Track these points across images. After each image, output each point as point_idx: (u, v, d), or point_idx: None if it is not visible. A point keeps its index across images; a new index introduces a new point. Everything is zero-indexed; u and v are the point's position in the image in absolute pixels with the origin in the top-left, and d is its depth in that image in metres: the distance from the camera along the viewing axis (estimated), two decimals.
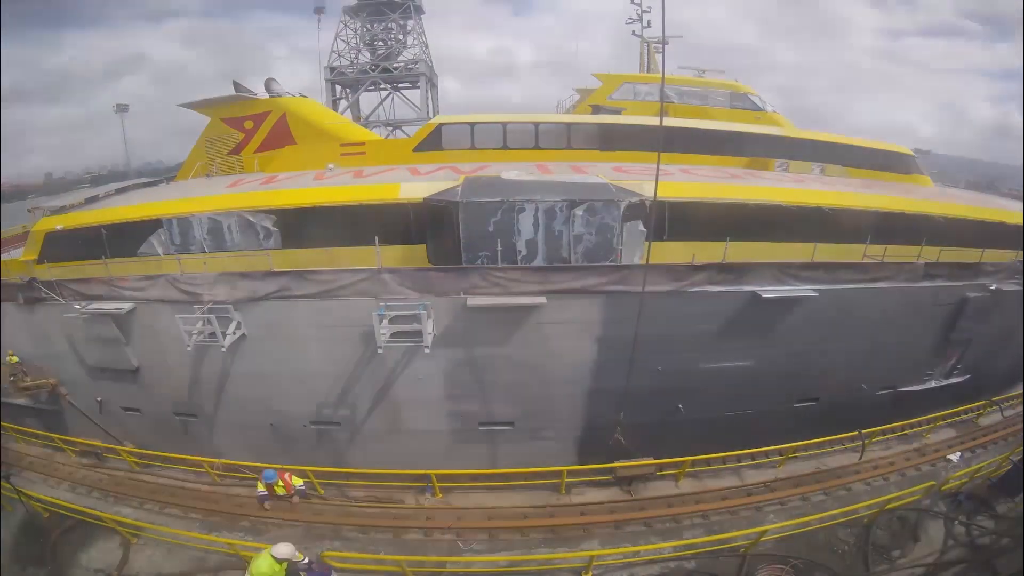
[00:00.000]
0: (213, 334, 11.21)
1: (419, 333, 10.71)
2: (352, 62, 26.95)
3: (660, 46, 25.06)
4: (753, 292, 11.62)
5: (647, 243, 11.10)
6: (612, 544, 8.89)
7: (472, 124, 17.50)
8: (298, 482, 9.78)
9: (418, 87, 27.82)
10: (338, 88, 27.99)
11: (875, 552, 8.81)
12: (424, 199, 12.00)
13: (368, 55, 26.93)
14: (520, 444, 12.81)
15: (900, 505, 9.41)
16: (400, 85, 28.70)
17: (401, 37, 27.15)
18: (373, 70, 26.35)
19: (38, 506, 9.90)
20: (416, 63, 27.08)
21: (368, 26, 26.64)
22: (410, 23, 27.09)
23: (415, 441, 12.56)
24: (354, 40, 26.93)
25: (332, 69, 26.64)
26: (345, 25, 26.73)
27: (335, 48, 26.70)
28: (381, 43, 27.01)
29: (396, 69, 27.08)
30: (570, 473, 9.97)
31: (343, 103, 28.45)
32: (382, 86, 28.06)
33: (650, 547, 8.71)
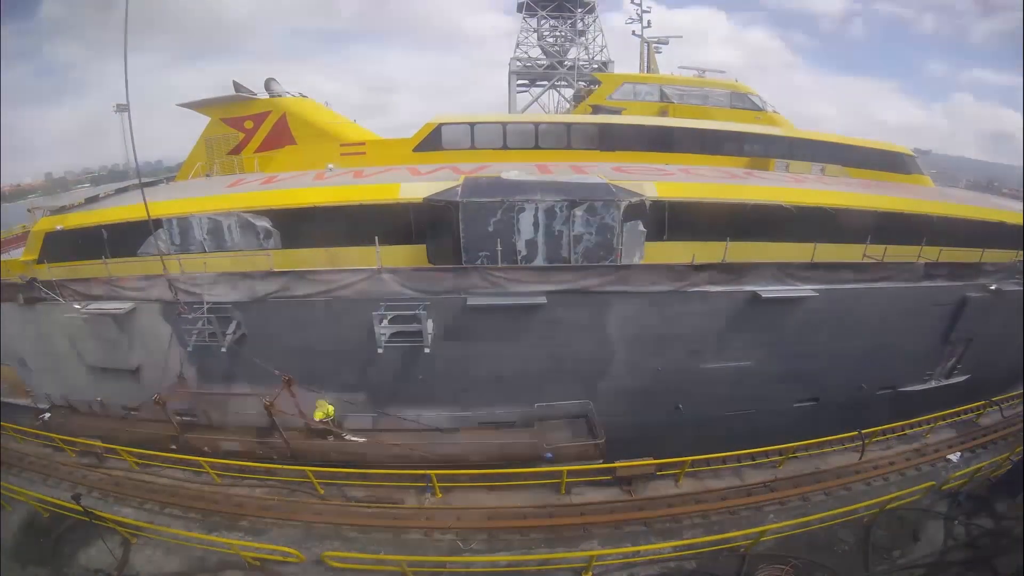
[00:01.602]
0: (213, 334, 11.23)
1: (419, 333, 10.72)
2: (546, 52, 27.28)
3: (660, 46, 25.15)
4: (753, 292, 11.62)
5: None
6: (612, 544, 8.88)
7: (472, 124, 17.51)
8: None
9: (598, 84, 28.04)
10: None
11: (875, 552, 8.82)
12: (424, 199, 12.00)
13: (547, 52, 27.42)
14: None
15: (900, 505, 9.42)
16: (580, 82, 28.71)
17: (578, 36, 27.46)
18: (559, 67, 26.85)
19: (38, 506, 9.90)
20: (596, 63, 27.24)
21: (551, 24, 27.11)
22: (589, 18, 27.44)
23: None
24: (538, 37, 27.45)
25: (519, 62, 27.29)
26: (535, 27, 27.19)
27: (516, 55, 27.45)
28: (564, 39, 27.43)
29: (581, 66, 27.35)
30: (570, 473, 9.96)
31: (527, 98, 29.22)
32: (562, 82, 28.49)
33: (650, 547, 8.70)
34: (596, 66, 27.44)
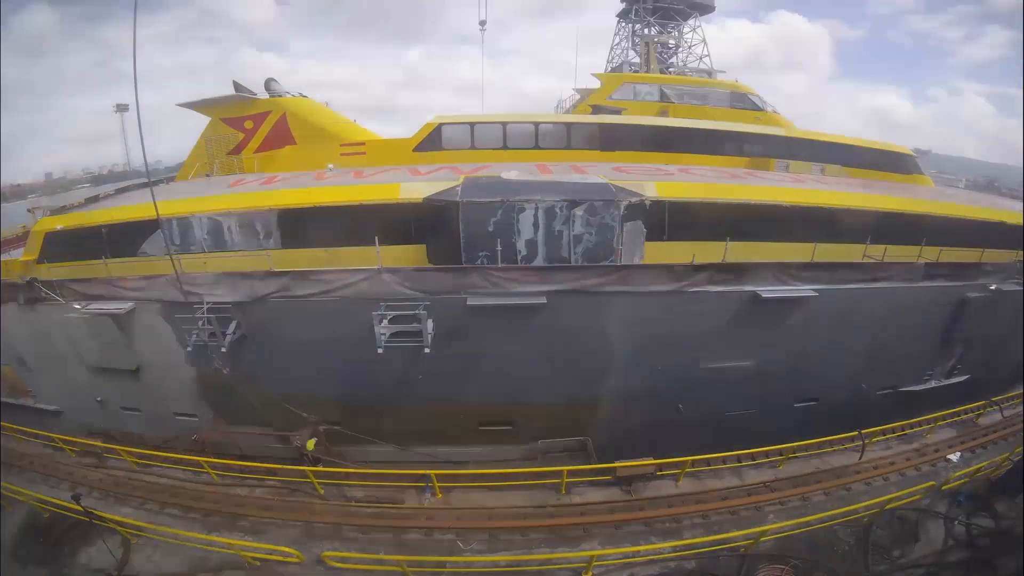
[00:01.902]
0: (213, 334, 11.23)
1: (419, 333, 10.72)
2: (644, 62, 25.44)
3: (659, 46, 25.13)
4: (753, 292, 11.62)
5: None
6: (612, 544, 8.88)
7: (472, 124, 17.49)
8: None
9: None
10: None
11: (875, 552, 8.81)
12: (424, 199, 12.00)
13: (642, 60, 25.62)
14: (520, 444, 12.82)
15: (900, 505, 9.41)
16: None
17: (674, 43, 25.95)
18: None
19: (38, 506, 9.90)
20: (697, 69, 25.83)
21: (647, 30, 25.61)
22: (690, 23, 26.02)
23: (415, 441, 12.55)
24: (631, 45, 26.09)
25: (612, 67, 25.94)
26: (634, 34, 25.78)
27: (610, 58, 26.29)
28: (664, 46, 26.01)
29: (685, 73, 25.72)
30: (570, 473, 9.96)
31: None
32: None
33: (650, 547, 8.70)
34: (697, 75, 25.63)
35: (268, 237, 12.46)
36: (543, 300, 11.14)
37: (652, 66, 25.37)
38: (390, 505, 9.85)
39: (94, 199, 16.16)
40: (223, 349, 11.26)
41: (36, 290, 12.42)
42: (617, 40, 26.89)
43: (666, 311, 11.66)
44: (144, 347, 12.58)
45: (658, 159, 17.28)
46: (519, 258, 11.64)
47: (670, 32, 26.32)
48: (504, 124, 17.65)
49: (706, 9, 26.08)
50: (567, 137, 17.77)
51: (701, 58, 26.71)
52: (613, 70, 25.90)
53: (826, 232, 12.54)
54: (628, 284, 11.41)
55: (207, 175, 18.36)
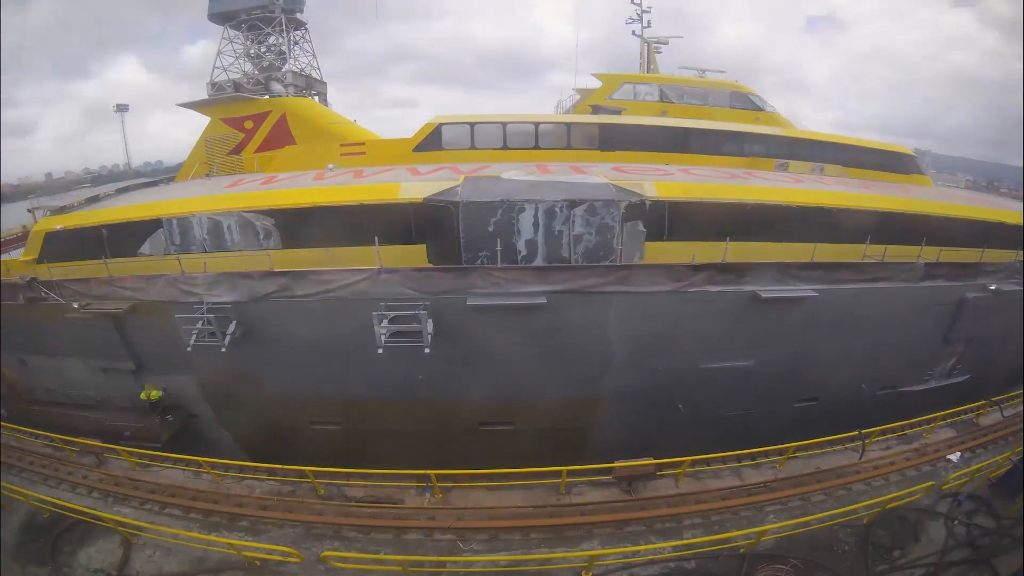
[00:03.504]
0: (213, 334, 11.23)
1: (419, 333, 10.72)
2: (242, 74, 23.41)
3: (660, 46, 25.09)
4: (753, 292, 11.63)
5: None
6: (612, 544, 8.87)
7: (472, 124, 17.51)
8: None
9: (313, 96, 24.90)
10: None
11: (875, 552, 8.80)
12: (424, 199, 12.00)
13: (253, 68, 23.50)
14: (520, 444, 12.81)
15: (900, 505, 9.41)
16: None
17: (285, 49, 23.74)
18: (261, 84, 22.77)
19: (38, 506, 9.89)
20: (295, 76, 23.51)
21: (251, 39, 23.48)
22: (296, 34, 24.12)
23: (415, 441, 12.55)
24: (238, 54, 23.58)
25: (214, 84, 23.22)
26: (229, 40, 23.72)
27: (219, 64, 23.61)
28: (267, 54, 23.70)
29: (282, 81, 23.29)
30: (570, 473, 9.96)
31: None
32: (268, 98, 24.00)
33: (650, 547, 8.69)
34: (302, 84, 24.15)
35: (268, 237, 12.47)
36: (543, 300, 11.14)
37: (652, 66, 25.38)
38: (390, 505, 9.85)
39: (94, 199, 16.19)
40: (223, 349, 11.27)
41: (36, 290, 12.42)
42: (226, 45, 23.71)
43: (666, 311, 11.66)
44: (144, 347, 12.59)
45: (658, 159, 17.29)
46: (519, 258, 11.64)
47: (271, 43, 23.84)
48: (504, 124, 17.66)
49: (298, 23, 24.27)
50: (567, 137, 17.79)
51: (312, 69, 24.56)
52: (216, 84, 23.15)
53: (826, 232, 12.55)
54: (628, 284, 11.41)
55: (207, 175, 18.38)
